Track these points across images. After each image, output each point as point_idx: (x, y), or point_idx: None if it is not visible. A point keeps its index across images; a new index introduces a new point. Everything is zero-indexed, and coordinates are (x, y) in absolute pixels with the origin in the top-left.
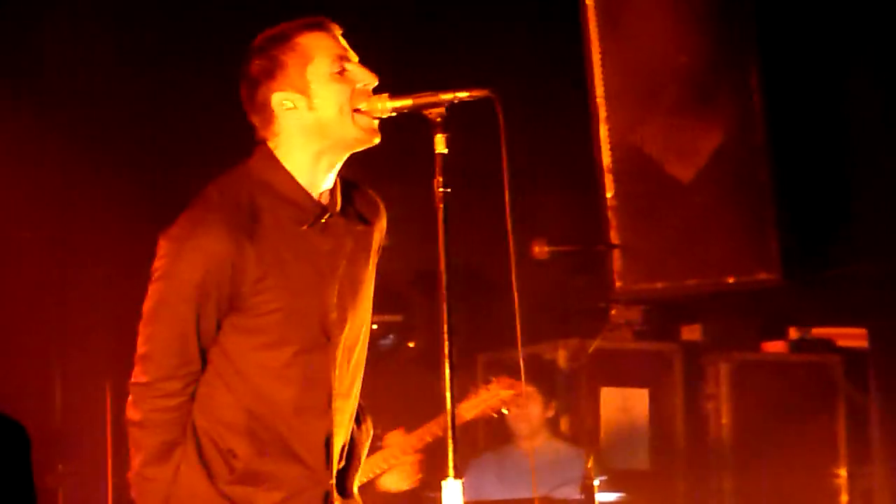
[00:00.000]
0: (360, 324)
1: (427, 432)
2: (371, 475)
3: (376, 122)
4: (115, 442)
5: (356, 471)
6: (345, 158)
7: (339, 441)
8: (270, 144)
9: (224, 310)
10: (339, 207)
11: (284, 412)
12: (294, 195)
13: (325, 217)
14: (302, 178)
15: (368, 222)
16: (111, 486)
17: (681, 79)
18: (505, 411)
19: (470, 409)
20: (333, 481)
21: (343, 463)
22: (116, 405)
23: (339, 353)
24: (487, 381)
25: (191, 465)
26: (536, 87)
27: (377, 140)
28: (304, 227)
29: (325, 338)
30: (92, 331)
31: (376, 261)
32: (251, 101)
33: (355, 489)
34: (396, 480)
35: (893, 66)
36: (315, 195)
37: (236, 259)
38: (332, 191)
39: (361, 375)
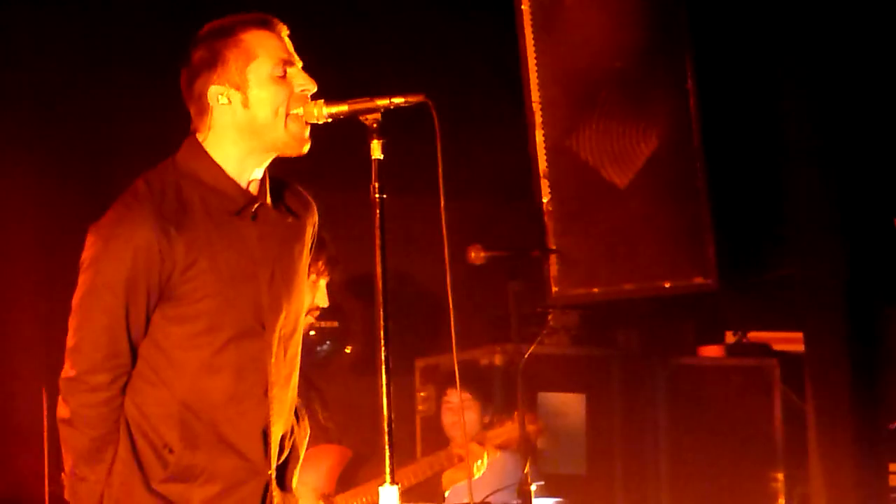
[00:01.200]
0: (296, 314)
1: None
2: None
3: (308, 129)
4: (51, 445)
5: (296, 466)
6: (272, 158)
7: (278, 431)
8: (200, 136)
9: (154, 300)
10: (268, 199)
11: (219, 401)
12: (221, 185)
13: (255, 206)
14: (230, 169)
15: (300, 216)
16: (47, 490)
17: (616, 84)
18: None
19: (495, 438)
20: (273, 472)
21: (284, 456)
22: (52, 409)
23: (275, 341)
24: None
25: (125, 465)
26: (472, 92)
27: (306, 148)
28: (233, 216)
29: (259, 325)
30: (26, 334)
31: (310, 257)
32: (189, 89)
33: (294, 483)
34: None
35: (826, 70)
36: (243, 185)
37: (164, 247)
38: (262, 181)
39: (298, 367)
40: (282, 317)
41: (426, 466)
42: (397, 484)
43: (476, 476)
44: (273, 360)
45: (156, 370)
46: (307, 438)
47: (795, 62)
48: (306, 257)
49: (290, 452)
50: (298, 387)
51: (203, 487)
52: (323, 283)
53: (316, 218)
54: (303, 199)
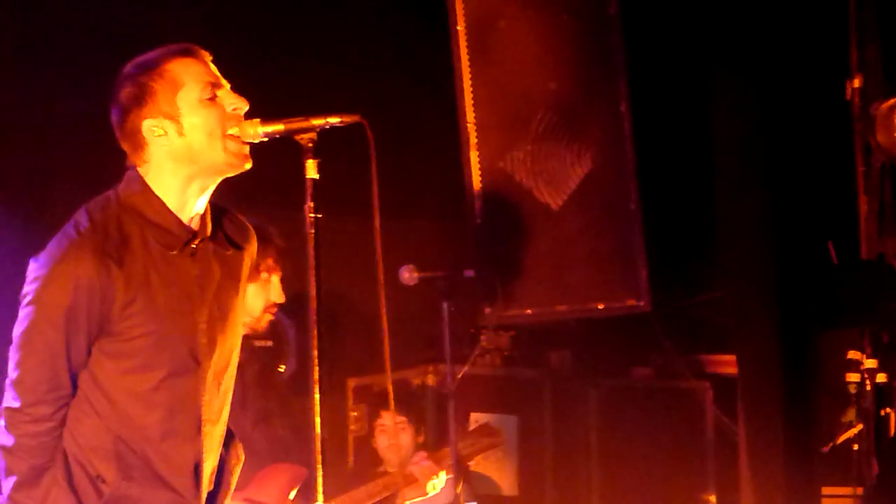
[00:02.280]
0: (230, 349)
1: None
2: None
3: (247, 147)
4: None
5: (226, 495)
6: (216, 183)
7: (209, 466)
8: (141, 170)
9: (94, 335)
10: (209, 232)
11: (152, 437)
12: (163, 220)
13: (196, 242)
14: (172, 203)
15: (239, 247)
16: None
17: (551, 105)
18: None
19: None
20: None
21: (212, 487)
22: None
23: (209, 378)
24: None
25: (62, 490)
26: (407, 112)
27: (248, 165)
28: (174, 252)
29: (194, 362)
30: None
31: (246, 287)
32: (121, 127)
33: None
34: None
35: (760, 94)
36: (185, 220)
37: (105, 284)
38: (203, 216)
39: (230, 401)
40: (216, 353)
41: (381, 487)
42: None
43: (431, 494)
44: (206, 396)
45: (91, 403)
46: (240, 465)
47: (729, 85)
48: (242, 290)
49: (220, 482)
50: (256, 397)
51: None
52: (276, 278)
53: (255, 247)
54: (242, 228)
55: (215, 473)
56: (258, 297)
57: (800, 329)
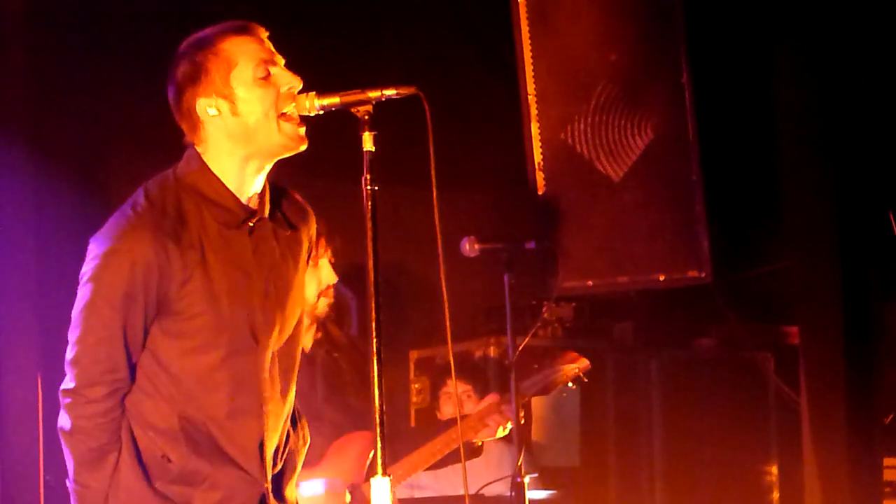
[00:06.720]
0: (290, 329)
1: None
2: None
3: (303, 129)
4: (46, 432)
5: (292, 475)
6: (273, 163)
7: (272, 445)
8: (199, 148)
9: (151, 315)
10: (267, 212)
11: (216, 416)
12: (221, 198)
13: (253, 220)
14: (230, 182)
15: (297, 228)
16: (42, 478)
17: (611, 77)
18: (571, 385)
19: (530, 388)
20: (269, 484)
21: (279, 467)
22: (48, 395)
23: (268, 357)
24: (554, 357)
25: (129, 467)
26: (467, 84)
27: (304, 146)
28: (232, 230)
29: (253, 341)
30: (22, 322)
31: (306, 268)
32: (177, 106)
33: (291, 494)
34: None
35: (822, 63)
36: (243, 199)
37: (163, 263)
38: (261, 195)
39: (295, 379)
40: (275, 332)
41: (442, 444)
42: (389, 475)
43: (503, 433)
44: (266, 375)
45: (155, 384)
46: (306, 446)
47: (792, 54)
48: (302, 270)
49: (285, 463)
50: (326, 371)
51: (205, 493)
52: (323, 261)
53: (314, 229)
54: (301, 210)
55: (281, 453)
56: (310, 284)
57: (862, 299)
